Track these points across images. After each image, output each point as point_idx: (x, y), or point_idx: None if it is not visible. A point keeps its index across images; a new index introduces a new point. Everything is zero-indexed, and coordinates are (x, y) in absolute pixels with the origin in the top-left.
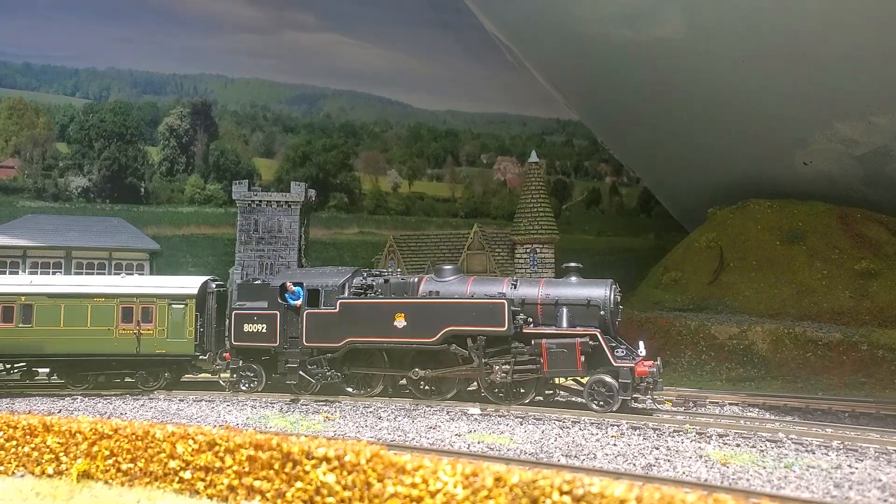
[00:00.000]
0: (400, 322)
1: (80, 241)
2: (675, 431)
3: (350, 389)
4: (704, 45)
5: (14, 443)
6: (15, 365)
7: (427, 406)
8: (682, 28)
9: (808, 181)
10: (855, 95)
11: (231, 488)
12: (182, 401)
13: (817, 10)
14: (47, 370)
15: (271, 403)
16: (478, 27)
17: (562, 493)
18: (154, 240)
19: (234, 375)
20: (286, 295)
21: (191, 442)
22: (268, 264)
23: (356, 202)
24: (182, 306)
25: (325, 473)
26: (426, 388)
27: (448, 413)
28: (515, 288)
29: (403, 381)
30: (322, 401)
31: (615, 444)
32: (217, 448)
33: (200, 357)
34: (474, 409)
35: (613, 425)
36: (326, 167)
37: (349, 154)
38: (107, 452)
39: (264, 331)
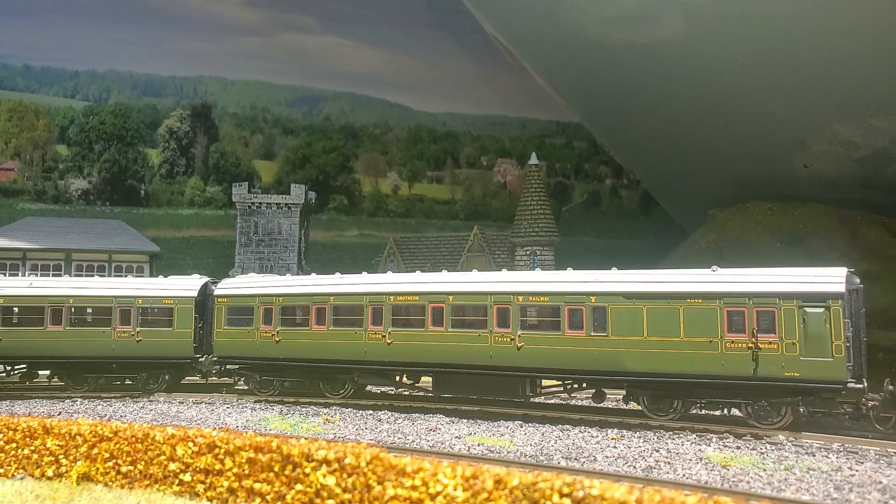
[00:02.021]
0: None
1: (80, 244)
2: (675, 434)
3: None
4: (704, 47)
5: (14, 445)
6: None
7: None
8: (682, 30)
9: (809, 183)
10: (855, 98)
11: (231, 491)
12: (182, 403)
13: (817, 13)
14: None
15: (271, 406)
16: (478, 29)
17: (562, 495)
18: (154, 242)
19: None
20: None
21: (191, 444)
22: (268, 266)
23: (356, 204)
24: (820, 310)
25: (325, 476)
26: None
27: (448, 415)
28: None
29: None
30: None
31: (615, 447)
32: (217, 450)
33: (855, 386)
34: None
35: (613, 428)
36: (326, 169)
37: (349, 156)
38: (107, 455)
39: None
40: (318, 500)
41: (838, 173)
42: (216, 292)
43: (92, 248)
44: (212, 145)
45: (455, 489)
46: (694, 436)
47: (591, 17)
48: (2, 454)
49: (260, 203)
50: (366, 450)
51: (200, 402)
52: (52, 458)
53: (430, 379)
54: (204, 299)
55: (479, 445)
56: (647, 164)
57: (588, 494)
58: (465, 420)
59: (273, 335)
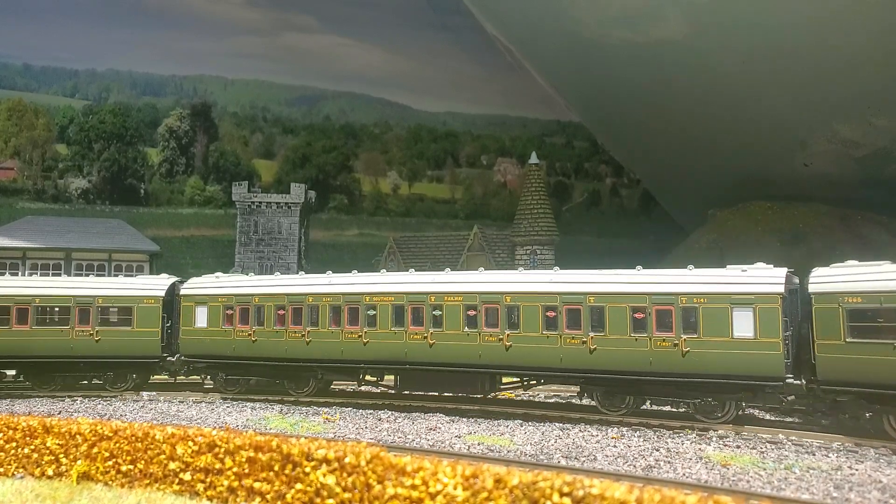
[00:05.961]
0: None
1: (80, 243)
2: (675, 433)
3: None
4: (705, 46)
5: (14, 444)
6: None
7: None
8: (682, 30)
9: (809, 183)
10: (855, 97)
11: (231, 490)
12: (182, 402)
13: (817, 11)
14: None
15: (271, 405)
16: (478, 29)
17: (562, 494)
18: (154, 241)
19: None
20: None
21: (191, 443)
22: (268, 265)
23: (356, 204)
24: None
25: (325, 475)
26: None
27: (448, 415)
28: None
29: None
30: None
31: (615, 446)
32: (217, 450)
33: None
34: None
35: (614, 427)
36: (326, 169)
37: (349, 156)
38: (107, 454)
39: None
40: (318, 500)
41: (839, 172)
42: None
43: (92, 248)
44: (211, 144)
45: (455, 488)
46: (694, 435)
47: (592, 16)
48: (2, 453)
49: (260, 202)
50: (366, 449)
51: (201, 402)
52: (52, 458)
53: None
54: None
55: (479, 444)
56: (647, 164)
57: (588, 493)
58: (465, 419)
59: None
